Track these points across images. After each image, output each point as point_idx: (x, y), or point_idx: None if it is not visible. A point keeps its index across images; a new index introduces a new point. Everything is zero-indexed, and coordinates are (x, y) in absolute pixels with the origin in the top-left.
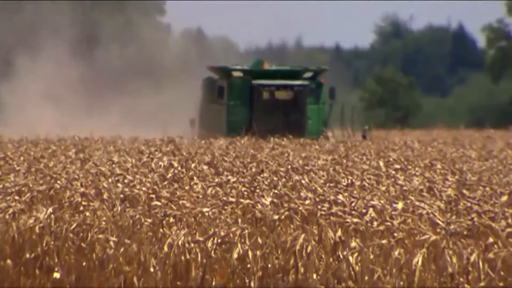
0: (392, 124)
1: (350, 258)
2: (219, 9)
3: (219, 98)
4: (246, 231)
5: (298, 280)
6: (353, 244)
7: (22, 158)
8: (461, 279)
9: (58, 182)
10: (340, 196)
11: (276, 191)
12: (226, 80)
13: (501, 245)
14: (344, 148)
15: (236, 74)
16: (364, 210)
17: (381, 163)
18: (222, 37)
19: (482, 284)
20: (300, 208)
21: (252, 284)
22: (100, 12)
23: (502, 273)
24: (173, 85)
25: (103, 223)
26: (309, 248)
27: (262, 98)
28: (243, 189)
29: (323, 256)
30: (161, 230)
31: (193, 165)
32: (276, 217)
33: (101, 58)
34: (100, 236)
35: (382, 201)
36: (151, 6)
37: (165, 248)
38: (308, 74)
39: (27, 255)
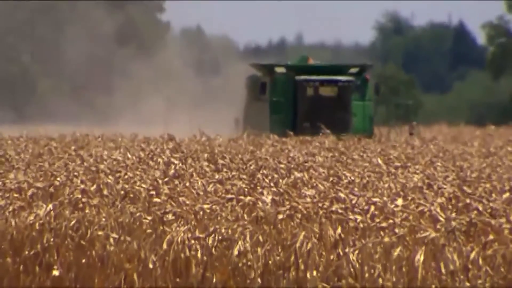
0: (394, 122)
1: (351, 255)
2: (218, 7)
3: (262, 95)
4: (248, 229)
5: (298, 277)
6: (353, 241)
7: (22, 155)
8: (462, 277)
9: (58, 179)
10: (340, 193)
11: (275, 189)
12: (269, 76)
13: (501, 242)
14: (344, 146)
15: (279, 70)
16: (366, 207)
17: (380, 161)
18: (221, 35)
19: (480, 281)
20: (300, 206)
21: (253, 281)
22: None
23: (502, 269)
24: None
25: (103, 219)
26: (310, 245)
27: (306, 94)
28: (243, 185)
29: (323, 253)
30: (161, 227)
31: (192, 162)
32: (280, 216)
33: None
34: (100, 233)
35: (384, 198)
36: (151, 4)
37: (165, 245)
38: (353, 70)
39: (27, 252)
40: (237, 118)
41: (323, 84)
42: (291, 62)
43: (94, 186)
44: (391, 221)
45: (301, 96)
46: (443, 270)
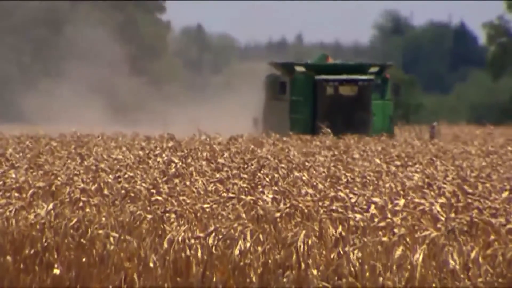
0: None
1: (351, 254)
2: (219, 6)
3: (281, 94)
4: (248, 228)
5: (299, 276)
6: (353, 240)
7: (22, 154)
8: (462, 276)
9: (59, 178)
10: (340, 193)
11: (276, 188)
12: (288, 76)
13: (501, 242)
14: (344, 145)
15: (299, 69)
16: (365, 207)
17: (378, 160)
18: (222, 34)
19: (481, 279)
20: (300, 204)
21: (253, 280)
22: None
23: (502, 268)
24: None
25: (104, 219)
26: (310, 244)
27: (325, 94)
28: (244, 185)
29: (324, 252)
30: (161, 226)
31: (193, 161)
32: (278, 214)
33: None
34: (101, 232)
35: (384, 198)
36: (151, 4)
37: (165, 244)
38: (373, 69)
39: (27, 251)
40: (256, 117)
41: (343, 83)
42: (310, 61)
43: (95, 186)
44: (389, 220)
45: (320, 95)
46: (444, 269)
